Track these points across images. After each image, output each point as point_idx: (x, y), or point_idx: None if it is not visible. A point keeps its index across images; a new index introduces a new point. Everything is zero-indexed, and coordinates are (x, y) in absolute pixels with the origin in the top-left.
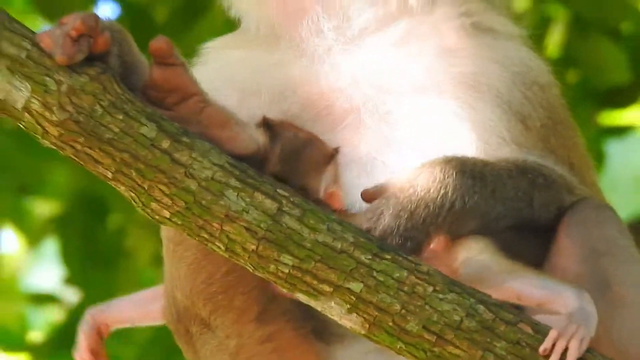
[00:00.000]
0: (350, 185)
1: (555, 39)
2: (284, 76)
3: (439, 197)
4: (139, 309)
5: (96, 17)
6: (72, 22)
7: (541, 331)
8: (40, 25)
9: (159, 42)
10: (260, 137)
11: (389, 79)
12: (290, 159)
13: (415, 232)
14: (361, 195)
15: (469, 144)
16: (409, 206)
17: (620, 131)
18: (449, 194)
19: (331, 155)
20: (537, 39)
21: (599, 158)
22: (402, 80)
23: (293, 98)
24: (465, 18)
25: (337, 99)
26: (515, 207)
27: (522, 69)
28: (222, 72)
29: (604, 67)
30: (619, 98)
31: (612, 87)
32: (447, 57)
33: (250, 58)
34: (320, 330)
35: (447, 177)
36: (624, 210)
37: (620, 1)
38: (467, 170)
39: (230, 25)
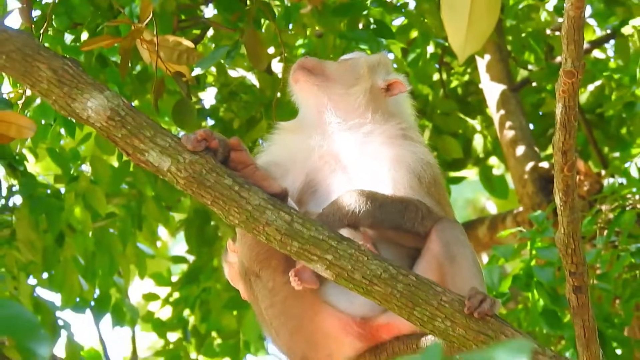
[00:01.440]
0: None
1: (425, 137)
2: (309, 144)
3: (346, 207)
4: None
5: (211, 132)
6: (200, 132)
7: (420, 278)
8: (177, 130)
9: (233, 139)
10: (283, 185)
11: (356, 151)
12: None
13: (338, 224)
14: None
15: (387, 187)
16: (332, 212)
17: (458, 180)
18: (351, 206)
19: None
20: None
21: (449, 193)
22: (362, 153)
23: (311, 157)
24: (399, 129)
25: (330, 158)
26: (393, 216)
27: (422, 156)
28: (280, 149)
29: (449, 150)
30: (457, 165)
31: (453, 160)
32: (386, 146)
33: (295, 139)
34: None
35: (350, 198)
36: (459, 218)
37: (458, 118)
38: (364, 194)
39: (270, 131)
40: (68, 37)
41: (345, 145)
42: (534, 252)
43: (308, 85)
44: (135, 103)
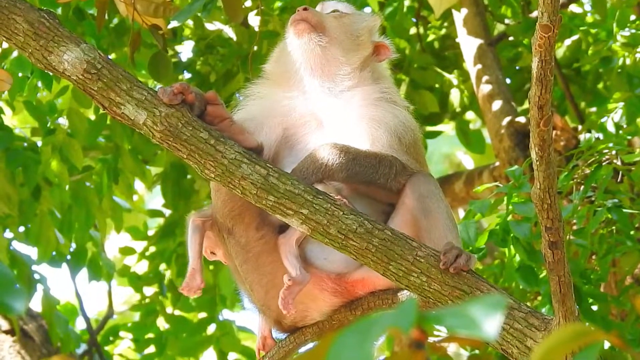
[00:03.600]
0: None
1: (402, 91)
2: (290, 102)
3: (320, 159)
4: None
5: (188, 85)
6: (176, 86)
7: (395, 233)
8: (154, 84)
9: (210, 93)
10: (259, 140)
11: (339, 114)
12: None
13: (313, 178)
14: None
15: (365, 144)
16: (306, 165)
17: (434, 134)
18: (325, 158)
19: None
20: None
21: (425, 147)
22: (346, 115)
23: (291, 114)
24: (383, 92)
25: (311, 119)
26: (367, 171)
27: (404, 120)
28: (259, 103)
29: (426, 105)
30: (433, 119)
31: (430, 114)
32: (370, 107)
33: (277, 92)
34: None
35: (324, 151)
36: (435, 173)
37: (434, 72)
38: (337, 147)
39: (247, 82)
40: None
41: (330, 109)
42: (510, 207)
43: (312, 44)
44: (113, 56)
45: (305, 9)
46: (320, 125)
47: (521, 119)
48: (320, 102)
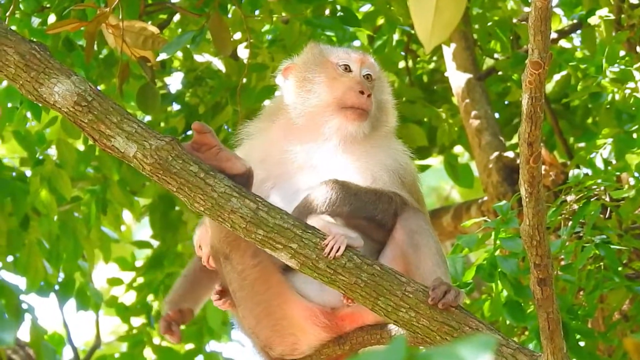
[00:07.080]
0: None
1: None
2: (294, 150)
3: (324, 194)
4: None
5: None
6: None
7: (384, 268)
8: (143, 115)
9: (198, 124)
10: (247, 165)
11: (341, 157)
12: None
13: (317, 212)
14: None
15: (367, 183)
16: (310, 200)
17: (423, 168)
18: (326, 195)
19: None
20: None
21: None
22: (346, 163)
23: (293, 161)
24: (386, 137)
25: (313, 162)
26: (367, 206)
27: (402, 161)
28: (257, 143)
29: (414, 138)
30: (422, 153)
31: (418, 148)
32: (370, 154)
33: (278, 135)
34: (284, 266)
35: (326, 187)
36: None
37: (423, 106)
38: (338, 182)
39: (235, 116)
40: (35, 21)
41: (334, 155)
42: (498, 242)
43: (360, 131)
44: (101, 87)
45: (369, 96)
46: (319, 173)
47: (509, 154)
48: (326, 151)
